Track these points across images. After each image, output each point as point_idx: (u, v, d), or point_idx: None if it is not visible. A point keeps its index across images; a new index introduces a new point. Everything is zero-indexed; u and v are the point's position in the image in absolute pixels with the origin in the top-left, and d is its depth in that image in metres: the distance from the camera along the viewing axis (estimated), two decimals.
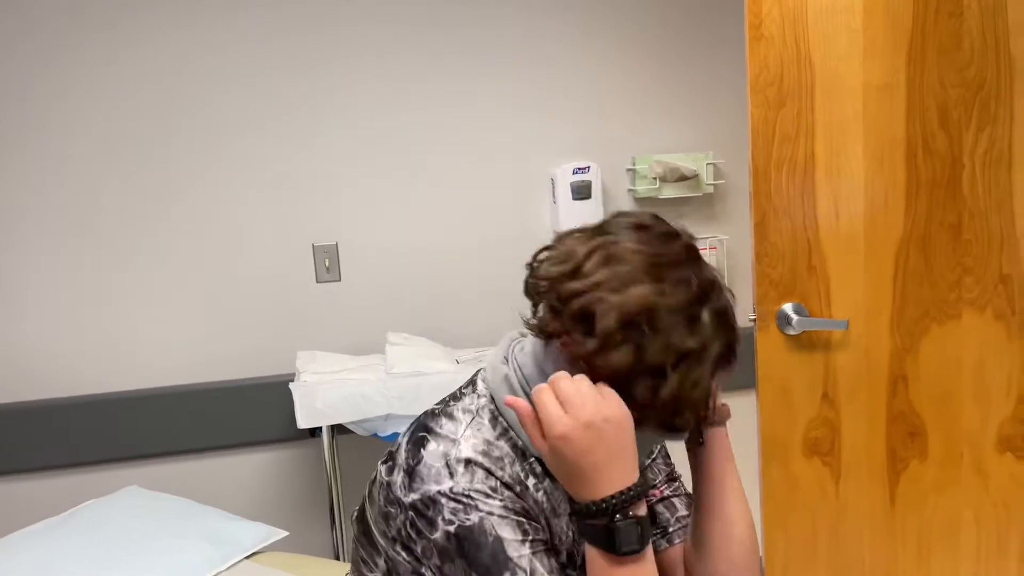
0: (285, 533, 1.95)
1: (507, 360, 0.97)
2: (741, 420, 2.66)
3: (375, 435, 2.13)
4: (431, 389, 2.09)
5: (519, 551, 0.87)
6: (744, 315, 2.75)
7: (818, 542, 1.71)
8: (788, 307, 1.65)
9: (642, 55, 2.50)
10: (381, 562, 0.96)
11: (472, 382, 1.00)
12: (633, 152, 2.52)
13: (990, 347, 1.65)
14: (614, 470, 0.83)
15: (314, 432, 2.19)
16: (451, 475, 0.89)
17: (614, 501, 0.83)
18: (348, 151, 2.37)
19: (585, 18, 2.46)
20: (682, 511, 1.09)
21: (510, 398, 0.88)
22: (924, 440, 1.68)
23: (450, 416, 0.95)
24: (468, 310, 2.47)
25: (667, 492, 1.10)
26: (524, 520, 0.89)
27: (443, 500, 0.88)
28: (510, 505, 0.89)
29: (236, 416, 2.33)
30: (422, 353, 2.23)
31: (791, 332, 1.65)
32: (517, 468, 0.93)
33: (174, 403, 2.29)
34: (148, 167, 2.27)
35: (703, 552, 1.02)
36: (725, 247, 2.58)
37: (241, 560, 1.82)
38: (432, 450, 0.91)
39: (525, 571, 0.86)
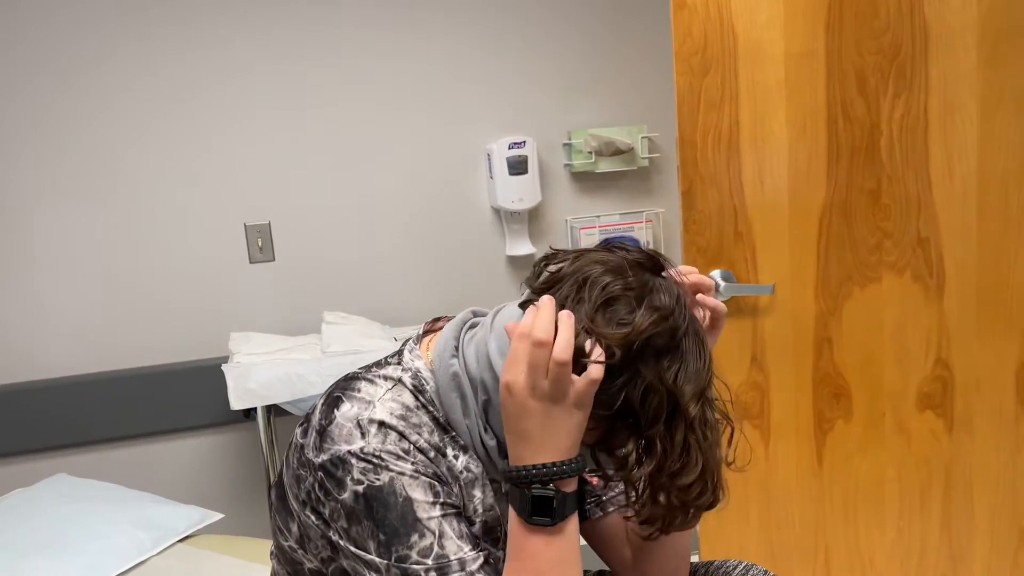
0: (220, 516, 1.93)
1: (458, 351, 0.94)
2: None
3: None
4: None
5: (429, 512, 0.86)
6: None
7: (750, 502, 1.75)
8: (716, 274, 1.68)
9: (575, 28, 2.50)
10: (295, 528, 0.94)
11: (399, 353, 0.98)
12: (568, 126, 2.52)
13: (909, 309, 1.69)
14: (550, 441, 0.83)
15: (249, 414, 2.15)
16: (362, 435, 0.87)
17: (535, 471, 0.83)
18: (280, 128, 2.33)
19: None
20: (620, 486, 1.07)
21: (510, 325, 0.86)
22: (849, 401, 1.73)
23: (370, 381, 0.93)
24: (405, 288, 2.45)
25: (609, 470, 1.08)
26: (436, 483, 0.88)
27: (353, 460, 0.85)
28: (422, 469, 0.88)
29: (169, 401, 2.28)
30: (359, 331, 2.22)
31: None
32: (436, 438, 0.91)
33: (103, 389, 2.23)
34: (68, 147, 2.20)
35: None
36: (661, 220, 2.61)
37: (174, 544, 1.79)
38: (345, 411, 0.89)
39: (434, 533, 0.85)
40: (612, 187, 2.58)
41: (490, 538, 0.96)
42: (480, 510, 0.94)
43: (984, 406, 1.72)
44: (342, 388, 0.92)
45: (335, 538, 0.88)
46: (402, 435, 0.88)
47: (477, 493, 0.94)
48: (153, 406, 2.27)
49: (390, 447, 0.87)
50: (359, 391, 0.91)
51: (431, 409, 0.92)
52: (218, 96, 2.27)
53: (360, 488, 0.85)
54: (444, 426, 0.92)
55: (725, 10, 1.60)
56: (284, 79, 2.31)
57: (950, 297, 1.68)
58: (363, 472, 0.85)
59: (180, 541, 1.80)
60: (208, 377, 2.28)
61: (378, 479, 0.85)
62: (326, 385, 2.05)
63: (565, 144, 2.52)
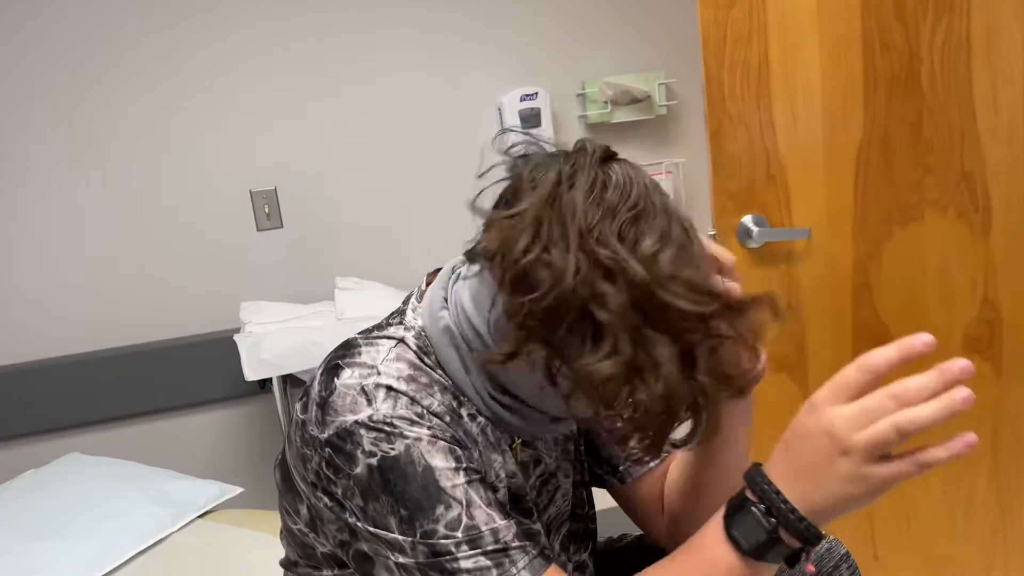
0: (240, 490, 1.87)
1: (447, 301, 0.84)
2: None
3: None
4: None
5: (453, 480, 0.76)
6: (705, 231, 2.70)
7: None
8: (748, 219, 1.59)
9: None
10: (304, 509, 0.85)
11: (400, 312, 0.89)
12: (582, 75, 2.42)
13: (953, 248, 1.60)
14: (834, 511, 0.69)
15: (264, 385, 2.10)
16: (369, 402, 0.77)
17: (803, 526, 0.69)
18: (284, 90, 2.24)
19: None
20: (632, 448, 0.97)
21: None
22: None
23: (371, 343, 0.84)
24: (419, 249, 2.37)
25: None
26: (456, 447, 0.79)
27: (362, 431, 0.76)
28: (439, 433, 0.78)
29: (181, 375, 2.22)
30: (374, 296, 2.14)
31: (752, 245, 1.59)
32: (448, 399, 0.82)
33: (113, 366, 2.17)
34: (72, 118, 2.12)
35: (693, 499, 0.94)
36: (681, 171, 2.51)
37: (194, 519, 1.73)
38: (346, 378, 0.80)
39: (460, 503, 0.76)
40: (629, 138, 2.48)
41: (517, 508, 0.87)
42: (502, 476, 0.86)
43: None
44: (340, 355, 0.83)
45: (351, 520, 0.79)
46: (413, 399, 0.79)
47: (497, 458, 0.86)
48: (165, 381, 2.21)
49: (401, 412, 0.78)
50: (359, 355, 0.82)
51: (438, 372, 0.83)
52: (221, 60, 2.18)
53: (373, 461, 0.76)
54: (454, 388, 0.83)
55: None
56: (289, 40, 2.21)
57: (997, 234, 1.59)
58: (375, 442, 0.76)
59: (200, 517, 1.75)
60: (220, 349, 2.21)
61: (392, 448, 0.76)
62: None
63: (579, 94, 2.42)
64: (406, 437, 0.76)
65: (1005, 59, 1.54)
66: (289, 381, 2.06)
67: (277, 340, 1.97)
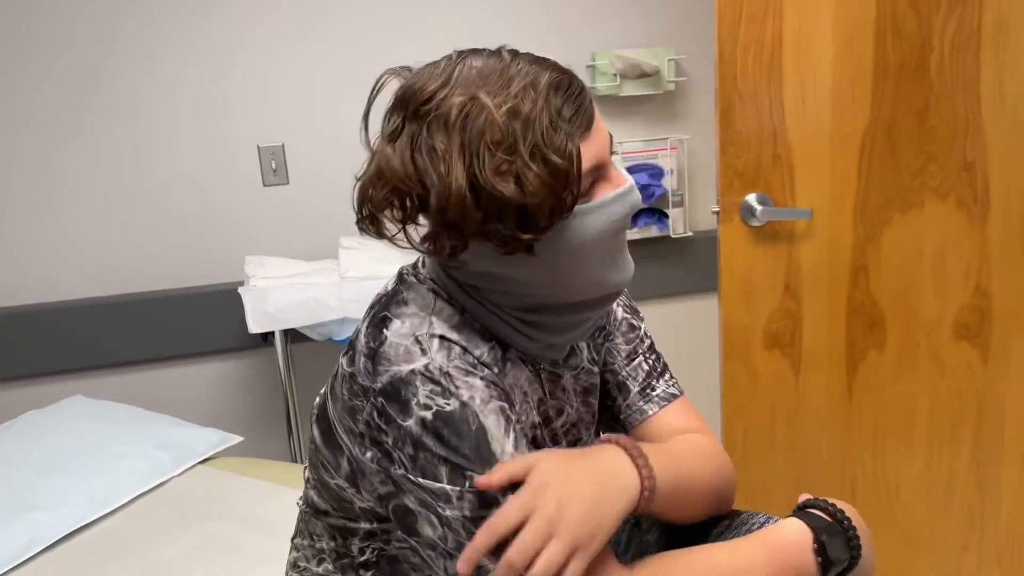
0: (239, 438, 1.91)
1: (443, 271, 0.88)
2: (703, 318, 2.68)
3: (331, 339, 2.07)
4: None
5: (503, 445, 0.78)
6: (701, 218, 2.73)
7: (776, 432, 1.73)
8: (752, 198, 1.62)
9: None
10: (344, 463, 0.85)
11: (418, 264, 0.91)
12: (592, 47, 2.43)
13: (951, 235, 1.64)
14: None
15: (267, 338, 2.13)
16: (424, 352, 0.79)
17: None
18: (293, 48, 2.24)
19: None
20: (633, 394, 1.02)
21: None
22: (883, 330, 1.68)
23: (413, 293, 0.85)
24: None
25: (623, 375, 1.03)
26: (506, 405, 0.80)
27: (417, 381, 0.77)
28: (491, 387, 0.80)
29: (184, 325, 2.25)
30: (376, 257, 2.17)
31: (755, 223, 1.62)
32: (486, 349, 0.85)
33: (117, 312, 2.20)
34: (81, 69, 2.12)
35: None
36: (686, 147, 2.53)
37: (194, 465, 1.77)
38: (397, 328, 0.81)
39: None
40: (636, 112, 2.50)
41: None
42: (527, 428, 0.89)
43: (1022, 338, 1.67)
44: (385, 306, 0.84)
45: (398, 471, 0.79)
46: (465, 348, 0.81)
47: (526, 406, 0.89)
48: (168, 329, 2.24)
49: (457, 362, 0.79)
50: (406, 305, 0.83)
51: (467, 316, 0.85)
52: (232, 15, 2.18)
53: (428, 414, 0.77)
54: (476, 329, 0.86)
55: None
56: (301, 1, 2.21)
57: (994, 223, 1.63)
58: (430, 395, 0.77)
59: (200, 463, 1.79)
60: (223, 301, 2.24)
61: (448, 404, 0.77)
62: (345, 310, 2.01)
63: (588, 66, 2.43)
64: (461, 395, 0.78)
65: (1013, 52, 1.56)
66: (290, 335, 2.09)
67: (281, 295, 2.00)
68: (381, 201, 0.80)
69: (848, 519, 0.85)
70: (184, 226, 2.25)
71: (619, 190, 0.82)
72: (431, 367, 0.78)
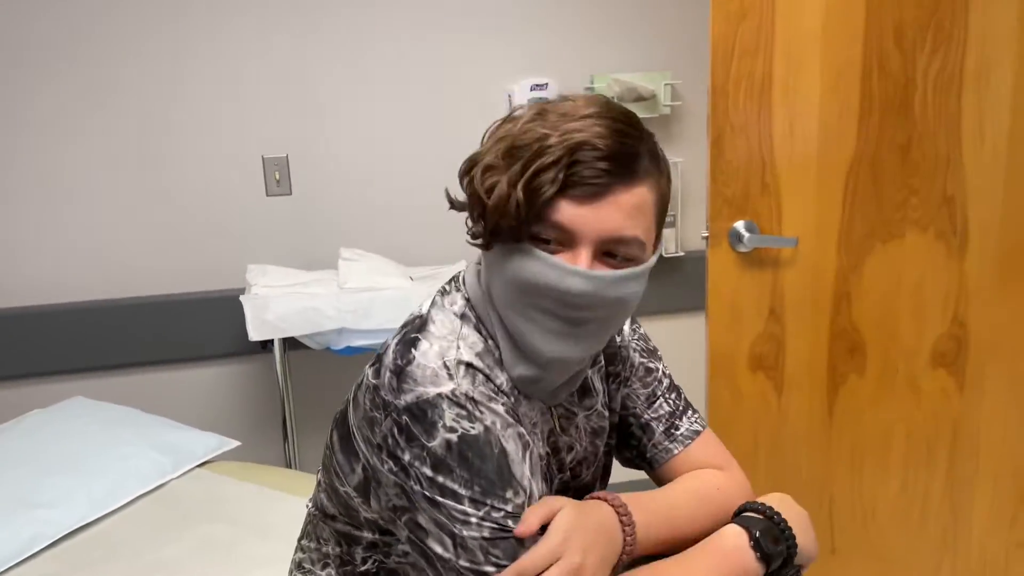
0: (237, 443, 1.96)
1: (479, 266, 0.93)
2: (686, 341, 2.73)
3: (328, 349, 2.12)
4: (384, 305, 2.09)
5: (522, 469, 0.83)
6: (692, 238, 2.79)
7: (759, 452, 1.78)
8: (740, 225, 1.68)
9: None
10: (359, 470, 0.89)
11: (453, 284, 0.95)
12: (591, 70, 2.49)
13: (930, 266, 1.70)
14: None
15: (266, 345, 2.17)
16: (450, 377, 0.83)
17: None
18: (301, 61, 2.30)
19: None
20: (658, 434, 1.06)
21: None
22: (863, 356, 1.75)
23: (443, 314, 0.90)
24: (422, 227, 2.45)
25: (646, 417, 1.07)
26: (523, 431, 0.85)
27: (444, 404, 0.81)
28: (510, 415, 0.85)
29: (185, 329, 2.30)
30: (376, 269, 2.22)
31: (742, 249, 1.68)
32: (504, 379, 0.89)
33: (120, 315, 2.25)
34: (89, 73, 2.17)
35: None
36: (679, 169, 2.59)
37: (193, 468, 1.82)
38: (425, 350, 0.84)
39: (526, 491, 0.82)
40: None
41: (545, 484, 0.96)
42: (540, 454, 0.93)
43: (997, 367, 1.74)
44: (417, 328, 0.88)
45: (415, 487, 0.81)
46: (488, 376, 0.85)
47: (535, 442, 0.92)
48: (169, 334, 2.29)
49: (480, 389, 0.83)
50: (435, 328, 0.87)
51: (490, 344, 0.89)
52: (241, 26, 2.24)
53: (454, 436, 0.80)
54: (497, 359, 0.90)
55: None
56: (306, 16, 2.27)
57: (972, 257, 1.69)
58: (456, 419, 0.81)
59: (199, 466, 1.84)
60: (224, 307, 2.29)
61: (473, 428, 0.81)
62: (343, 320, 2.06)
63: (587, 88, 2.49)
64: (485, 419, 0.82)
65: (994, 93, 1.63)
66: (289, 343, 2.14)
67: (281, 304, 2.05)
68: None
69: (778, 514, 0.93)
70: (188, 232, 2.30)
71: (564, 263, 0.82)
72: (458, 392, 0.82)
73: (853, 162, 1.66)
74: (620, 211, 0.82)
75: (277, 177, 2.35)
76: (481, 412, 0.82)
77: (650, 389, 1.08)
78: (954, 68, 1.62)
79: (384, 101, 2.37)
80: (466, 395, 0.82)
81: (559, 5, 2.44)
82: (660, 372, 1.10)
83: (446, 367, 0.83)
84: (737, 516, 0.96)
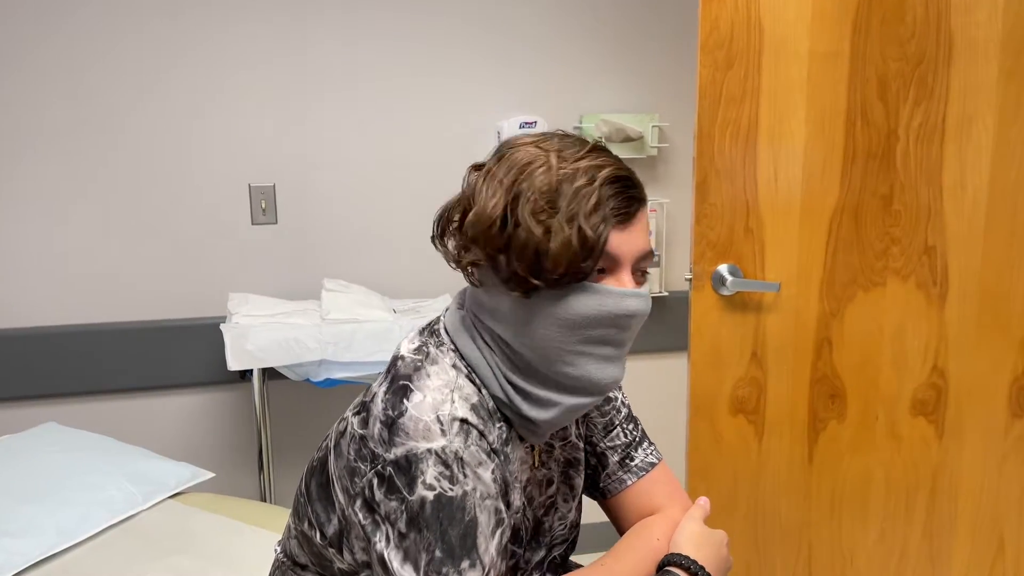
0: (211, 474, 1.93)
1: (463, 300, 0.95)
2: (670, 381, 2.73)
3: (308, 380, 2.10)
4: (366, 337, 2.07)
5: (487, 543, 0.81)
6: (677, 278, 2.80)
7: (738, 495, 1.77)
8: (723, 268, 1.69)
9: (594, 12, 2.48)
10: (335, 520, 0.87)
11: (434, 327, 0.95)
12: (580, 110, 2.52)
13: (911, 315, 1.71)
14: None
15: (245, 375, 2.15)
16: (443, 433, 0.81)
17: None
18: (291, 92, 2.31)
19: None
20: (612, 464, 1.07)
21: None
22: (844, 402, 1.75)
23: (436, 363, 0.88)
24: (407, 260, 2.45)
25: (602, 446, 1.08)
26: (502, 507, 0.84)
27: (431, 459, 0.80)
28: (496, 481, 0.84)
29: (164, 356, 2.27)
30: (359, 301, 2.21)
31: (725, 292, 1.69)
32: (496, 432, 0.88)
33: (97, 340, 2.22)
34: (76, 99, 2.17)
35: None
36: (665, 210, 2.61)
37: (164, 499, 1.79)
38: (419, 401, 0.83)
39: (484, 568, 0.81)
40: None
41: (514, 540, 0.96)
42: (513, 512, 0.92)
43: (976, 416, 1.74)
44: (408, 376, 0.86)
45: (379, 544, 0.81)
46: (482, 433, 0.84)
47: (516, 496, 0.92)
48: (147, 360, 2.26)
49: (472, 449, 0.82)
50: (430, 377, 0.86)
51: (484, 392, 0.89)
52: (233, 55, 2.25)
53: (431, 494, 0.80)
54: (491, 412, 0.89)
55: (754, 4, 1.60)
56: (298, 46, 2.29)
57: (951, 306, 1.71)
58: (438, 477, 0.80)
59: (170, 497, 1.80)
60: (204, 335, 2.27)
61: (452, 489, 0.80)
62: (324, 352, 2.05)
63: (576, 127, 2.51)
64: (467, 483, 0.81)
65: (975, 145, 1.66)
66: (268, 373, 2.12)
67: (262, 334, 2.03)
68: (446, 214, 0.91)
69: (702, 568, 0.95)
70: (171, 259, 2.29)
71: (620, 288, 0.86)
72: (447, 449, 0.81)
73: (836, 210, 1.67)
74: (644, 230, 0.89)
75: (263, 206, 2.35)
76: (465, 475, 0.81)
77: (608, 418, 1.09)
78: (936, 120, 1.65)
79: (373, 133, 2.38)
80: (455, 454, 0.81)
81: (550, 44, 2.47)
82: (618, 402, 1.11)
83: (439, 421, 0.82)
84: (659, 571, 0.96)
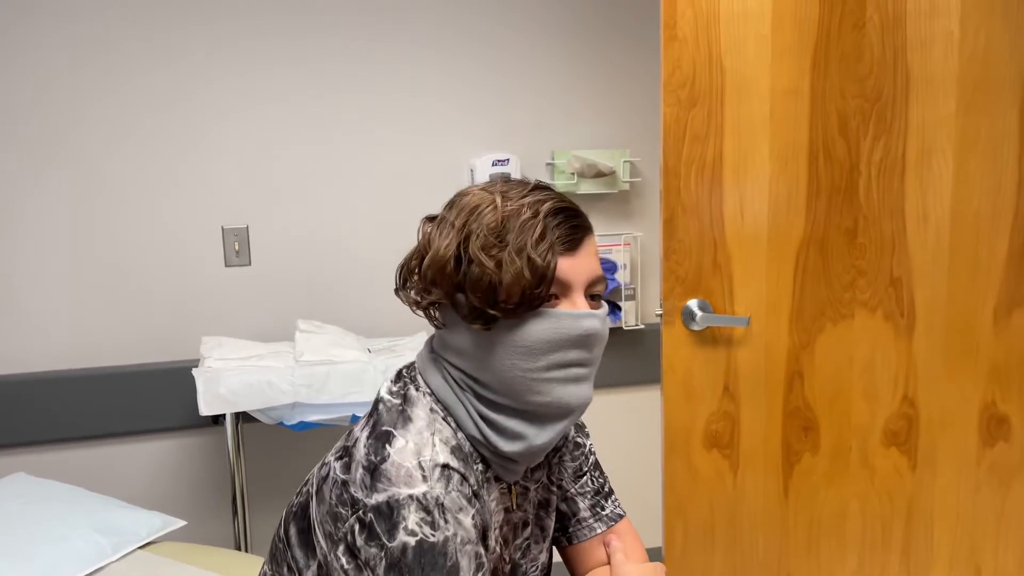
0: (182, 523, 1.90)
1: (433, 345, 0.97)
2: (646, 413, 2.73)
3: (281, 424, 2.08)
4: (341, 378, 2.06)
5: None
6: (652, 311, 2.81)
7: (716, 530, 1.77)
8: (693, 303, 1.70)
9: (564, 50, 2.52)
10: (314, 566, 0.88)
11: (408, 374, 0.96)
12: (552, 146, 2.54)
13: (879, 347, 1.73)
14: None
15: (217, 419, 2.13)
16: (424, 479, 0.83)
17: None
18: (264, 133, 2.32)
19: (508, 11, 2.46)
20: (583, 510, 1.09)
21: None
22: (817, 434, 1.75)
23: (417, 406, 0.91)
24: (382, 300, 2.44)
25: (572, 491, 1.10)
26: (481, 551, 0.85)
27: (413, 506, 0.81)
28: (475, 526, 0.85)
29: (135, 402, 2.25)
30: (333, 341, 2.20)
31: (695, 328, 1.70)
32: (474, 474, 0.90)
33: (66, 387, 2.19)
34: (48, 144, 2.17)
35: None
36: (639, 243, 2.63)
37: (135, 550, 1.75)
38: (401, 447, 0.85)
39: None
40: (592, 209, 2.60)
41: None
42: (490, 554, 0.93)
43: (948, 445, 1.75)
44: (391, 422, 0.88)
45: None
46: (463, 477, 0.86)
47: (491, 537, 0.93)
48: (118, 406, 2.23)
49: (454, 495, 0.84)
50: (411, 422, 0.88)
51: (460, 435, 0.91)
52: (206, 98, 2.26)
53: (412, 540, 0.81)
54: (468, 454, 0.91)
55: (715, 44, 1.62)
56: (269, 87, 2.30)
57: (919, 337, 1.72)
58: (419, 523, 0.81)
59: (140, 548, 1.77)
60: (176, 380, 2.25)
61: (433, 535, 0.81)
62: (297, 394, 2.03)
63: (548, 163, 2.54)
64: (448, 529, 0.82)
65: (936, 177, 1.68)
66: (241, 417, 2.10)
67: (235, 377, 2.02)
68: (408, 263, 0.94)
69: None
70: (143, 303, 2.27)
71: (575, 311, 0.90)
72: (428, 496, 0.82)
73: (802, 243, 1.69)
74: (592, 256, 0.94)
75: (236, 248, 2.34)
76: (446, 521, 0.82)
77: (577, 463, 1.11)
78: (896, 154, 1.68)
79: (347, 173, 2.39)
80: (436, 500, 0.82)
81: (521, 82, 2.49)
82: (587, 448, 1.13)
83: (421, 467, 0.84)
84: None
